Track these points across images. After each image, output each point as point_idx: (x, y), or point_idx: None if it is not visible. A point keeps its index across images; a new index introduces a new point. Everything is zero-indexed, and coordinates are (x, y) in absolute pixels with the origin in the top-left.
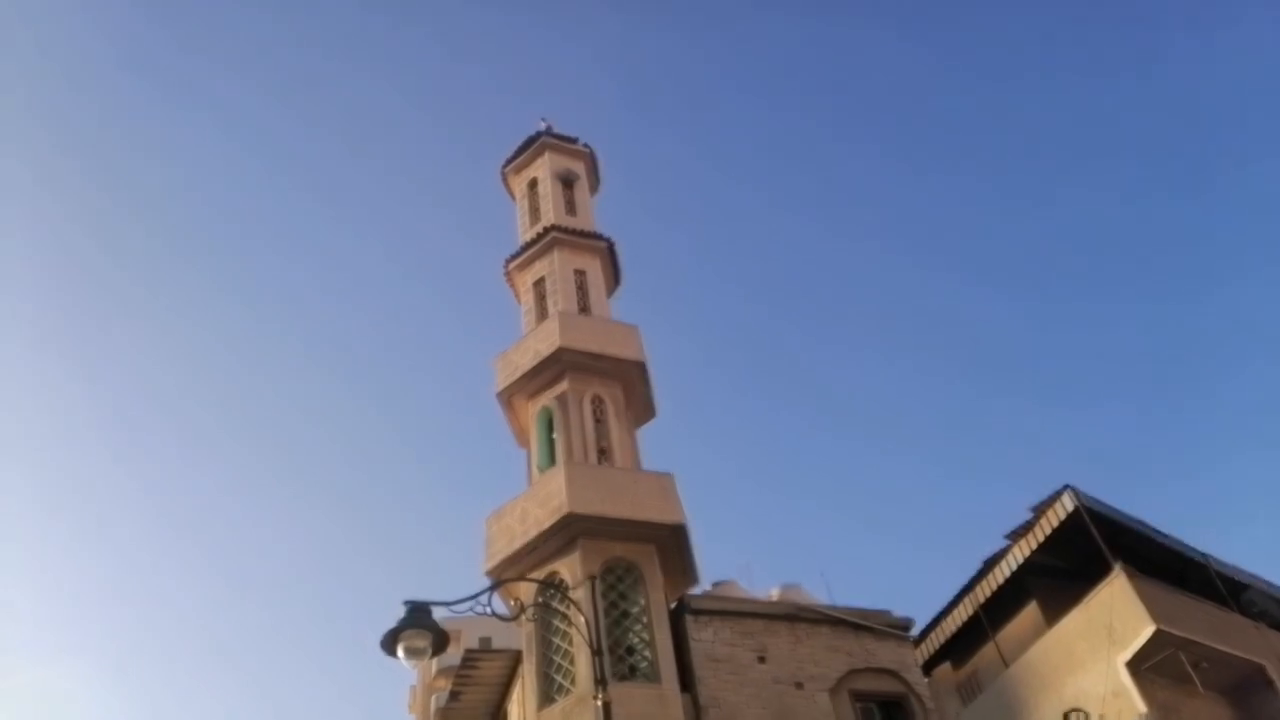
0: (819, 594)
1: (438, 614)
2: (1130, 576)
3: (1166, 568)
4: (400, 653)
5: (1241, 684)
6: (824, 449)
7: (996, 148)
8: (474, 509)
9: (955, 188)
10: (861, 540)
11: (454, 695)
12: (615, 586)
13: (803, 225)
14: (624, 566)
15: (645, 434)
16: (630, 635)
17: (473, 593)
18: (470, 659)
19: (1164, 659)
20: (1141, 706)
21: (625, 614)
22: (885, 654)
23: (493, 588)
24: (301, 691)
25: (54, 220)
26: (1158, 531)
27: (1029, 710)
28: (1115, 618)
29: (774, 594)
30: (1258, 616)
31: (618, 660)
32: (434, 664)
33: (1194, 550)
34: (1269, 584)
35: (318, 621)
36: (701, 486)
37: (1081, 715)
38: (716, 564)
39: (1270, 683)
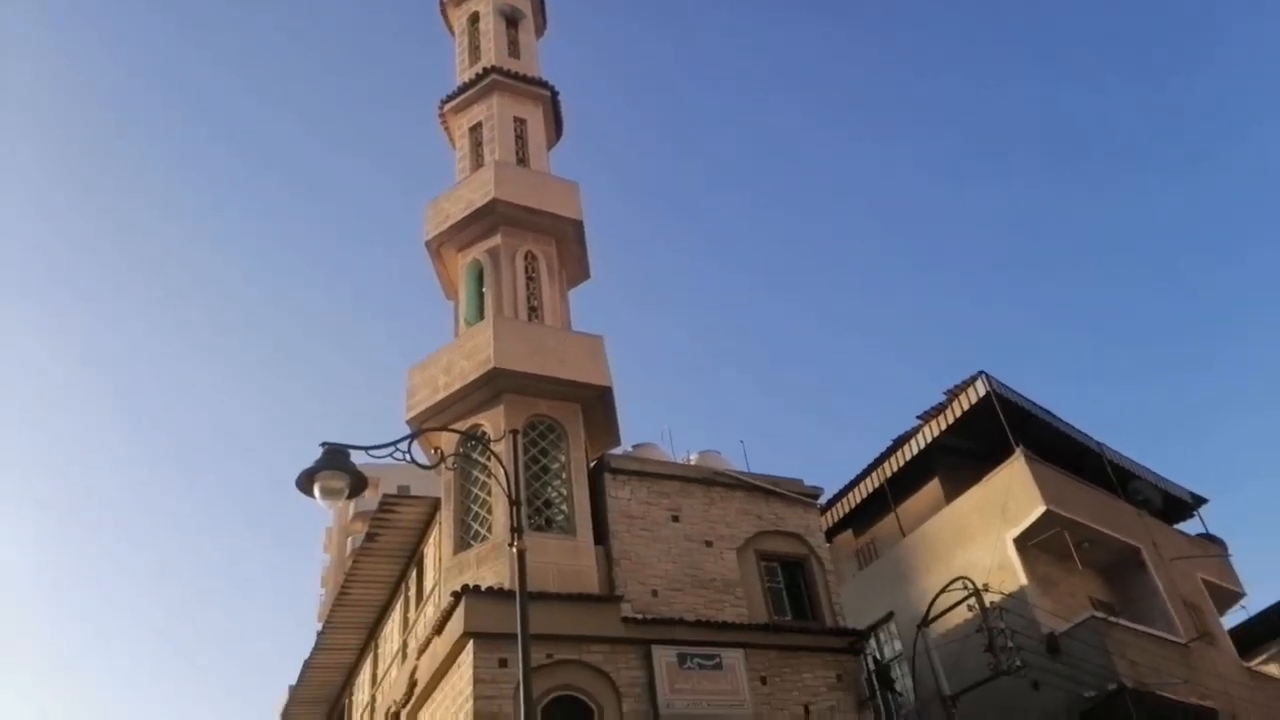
0: (737, 462)
1: (357, 459)
2: (1029, 460)
3: (1065, 454)
4: (316, 492)
5: (1117, 564)
6: (760, 325)
7: None
8: (401, 359)
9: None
10: (782, 415)
11: (370, 537)
12: (537, 443)
13: (751, 102)
14: (547, 424)
15: (577, 295)
16: (549, 490)
17: (393, 439)
18: (388, 503)
19: (1050, 537)
20: (1023, 579)
21: (545, 469)
22: (792, 519)
23: (413, 436)
24: (216, 525)
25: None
26: (1060, 420)
27: (919, 576)
28: (1010, 497)
29: (692, 459)
30: (1141, 504)
31: (535, 512)
32: (351, 507)
33: (1090, 439)
34: (1156, 475)
35: (244, 463)
36: (630, 351)
37: (967, 582)
38: (639, 428)
39: (1143, 564)
